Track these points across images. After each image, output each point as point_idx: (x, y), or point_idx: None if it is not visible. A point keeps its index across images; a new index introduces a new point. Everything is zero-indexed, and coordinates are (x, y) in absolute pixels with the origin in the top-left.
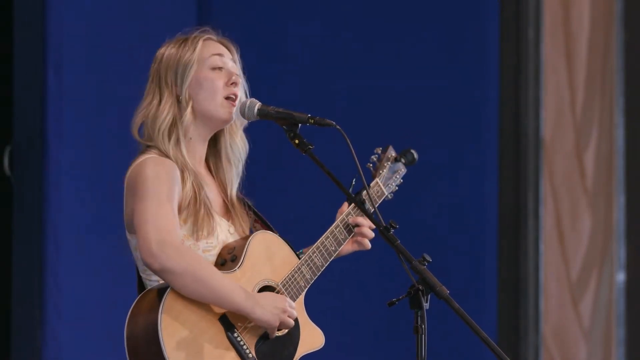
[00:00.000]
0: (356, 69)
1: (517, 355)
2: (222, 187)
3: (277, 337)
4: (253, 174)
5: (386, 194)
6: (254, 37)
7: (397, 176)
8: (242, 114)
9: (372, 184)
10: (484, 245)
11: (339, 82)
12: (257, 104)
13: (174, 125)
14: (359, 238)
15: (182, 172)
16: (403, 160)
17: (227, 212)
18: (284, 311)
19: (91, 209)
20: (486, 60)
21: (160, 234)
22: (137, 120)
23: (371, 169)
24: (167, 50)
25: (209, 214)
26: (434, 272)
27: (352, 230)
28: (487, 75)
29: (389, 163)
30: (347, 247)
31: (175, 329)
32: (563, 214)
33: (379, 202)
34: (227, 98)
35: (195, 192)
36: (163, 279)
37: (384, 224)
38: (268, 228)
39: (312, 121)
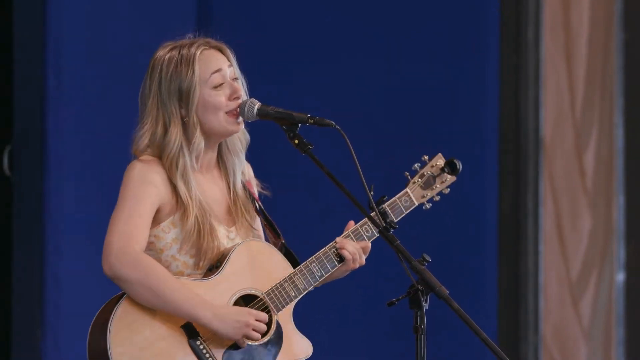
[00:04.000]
0: (356, 69)
1: (517, 355)
2: (228, 180)
3: (251, 346)
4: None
5: (416, 204)
6: (254, 37)
7: (438, 186)
8: (242, 113)
9: (401, 194)
10: (484, 245)
11: (339, 82)
12: (257, 104)
13: (181, 154)
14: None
15: (187, 207)
16: (447, 170)
17: (229, 215)
18: (247, 325)
19: (91, 209)
20: (486, 60)
21: (123, 242)
22: (142, 143)
23: (408, 177)
24: (165, 67)
25: (213, 239)
26: (433, 272)
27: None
28: (487, 75)
29: (429, 172)
30: (342, 267)
31: (126, 335)
32: (563, 214)
33: (405, 213)
34: (229, 112)
35: (199, 225)
36: (118, 286)
37: (384, 224)
38: (276, 234)
39: (312, 121)
